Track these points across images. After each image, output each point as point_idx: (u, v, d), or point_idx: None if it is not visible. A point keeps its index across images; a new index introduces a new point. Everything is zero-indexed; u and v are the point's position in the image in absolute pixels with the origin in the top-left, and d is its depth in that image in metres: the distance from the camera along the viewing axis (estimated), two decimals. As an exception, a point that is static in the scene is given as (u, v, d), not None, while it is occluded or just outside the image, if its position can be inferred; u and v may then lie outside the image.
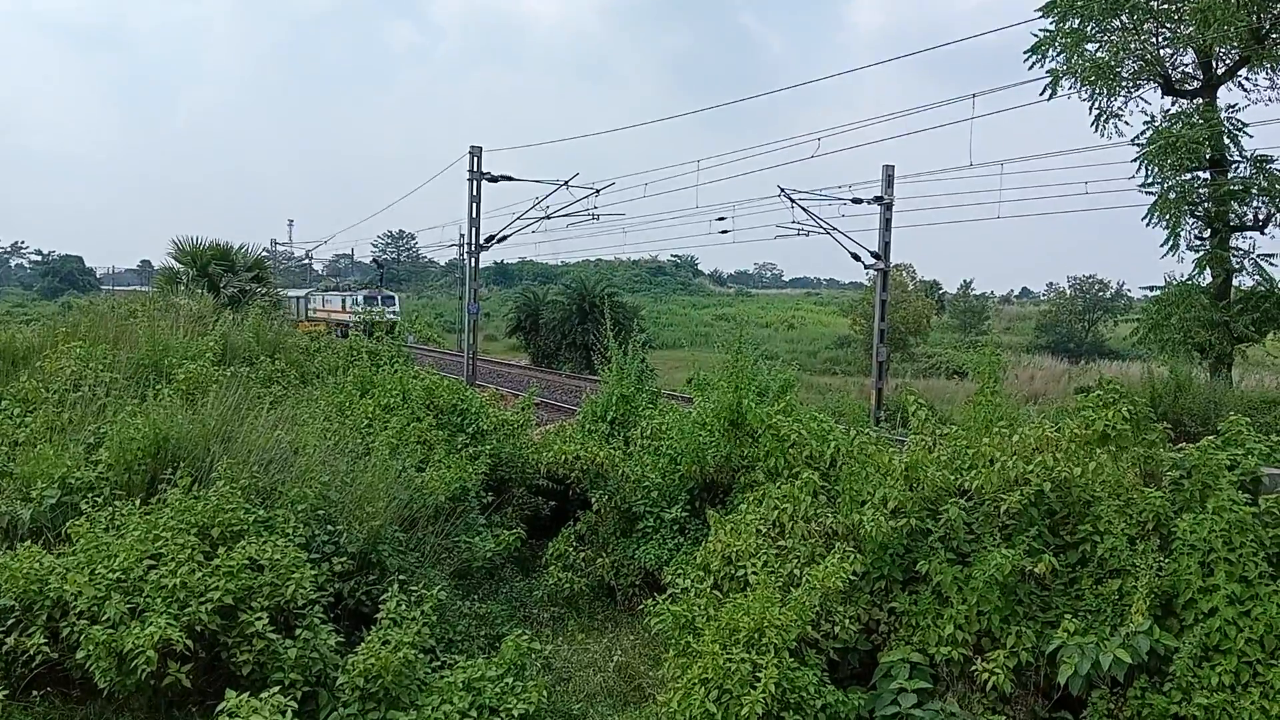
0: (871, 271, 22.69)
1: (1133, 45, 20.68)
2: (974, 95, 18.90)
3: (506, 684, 6.34)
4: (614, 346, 12.31)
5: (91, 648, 5.75)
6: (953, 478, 7.39)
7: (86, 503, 7.17)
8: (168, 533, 6.50)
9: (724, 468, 9.55)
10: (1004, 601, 6.63)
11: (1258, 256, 20.55)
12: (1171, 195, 20.05)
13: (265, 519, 7.14)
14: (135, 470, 7.70)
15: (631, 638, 8.70)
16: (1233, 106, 20.31)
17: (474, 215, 22.88)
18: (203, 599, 6.07)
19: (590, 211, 24.13)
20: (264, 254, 35.73)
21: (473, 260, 23.65)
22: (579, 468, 9.97)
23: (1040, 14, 21.15)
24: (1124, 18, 20.49)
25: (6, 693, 5.80)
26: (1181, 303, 20.66)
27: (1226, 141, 19.85)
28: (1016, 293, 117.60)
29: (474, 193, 22.78)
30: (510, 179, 23.08)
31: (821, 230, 21.79)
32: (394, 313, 55.10)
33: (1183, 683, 6.11)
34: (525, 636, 6.83)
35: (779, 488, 8.13)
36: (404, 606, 6.56)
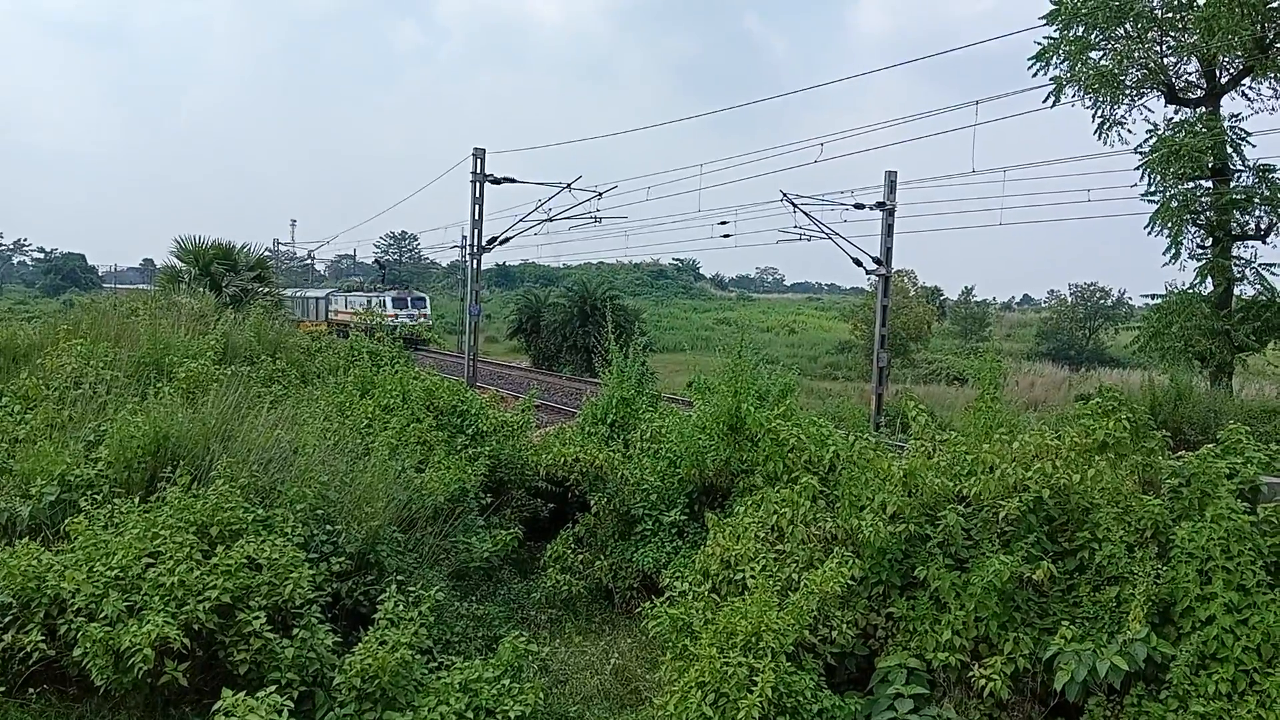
0: (873, 277, 22.71)
1: (1136, 53, 20.69)
2: (977, 102, 18.94)
3: (503, 685, 6.34)
4: (615, 349, 12.32)
5: (89, 645, 5.75)
6: (952, 484, 7.39)
7: (86, 500, 7.17)
8: (166, 531, 6.50)
9: (723, 471, 9.55)
10: (1002, 608, 6.63)
11: (1259, 266, 20.50)
12: (1174, 204, 20.05)
13: (264, 518, 7.14)
14: (135, 468, 7.71)
15: (629, 641, 8.70)
16: (1236, 116, 20.33)
17: (476, 217, 22.90)
18: (200, 597, 6.07)
19: (592, 214, 24.16)
20: (266, 254, 35.62)
21: (475, 262, 23.66)
22: (578, 470, 9.97)
23: (1044, 21, 21.17)
24: (1128, 26, 20.49)
25: (3, 690, 5.81)
26: (1183, 311, 20.65)
27: (1229, 150, 19.83)
28: (1018, 300, 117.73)
29: (477, 195, 22.80)
30: (513, 181, 23.11)
31: (823, 235, 21.80)
32: (426, 316, 51.60)
33: (1179, 690, 6.11)
34: (522, 638, 6.83)
35: (778, 492, 8.13)
36: (401, 607, 6.56)
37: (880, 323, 22.32)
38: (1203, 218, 20.51)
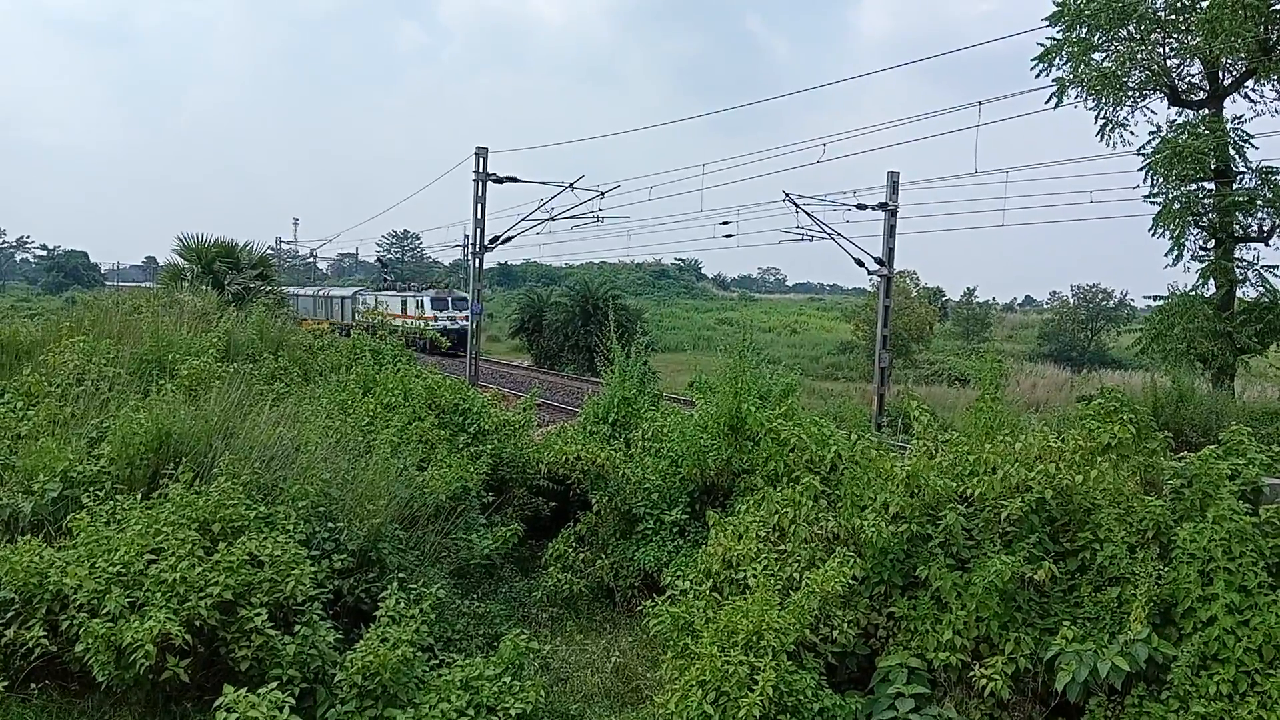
0: (875, 277, 22.72)
1: (1139, 55, 20.66)
2: (980, 103, 19.01)
3: (504, 683, 6.35)
4: (616, 349, 12.33)
5: (91, 641, 5.76)
6: (954, 484, 7.39)
7: (88, 496, 7.17)
8: (168, 527, 6.51)
9: (725, 471, 9.56)
10: (1003, 608, 6.63)
11: (1261, 268, 20.46)
12: (1176, 205, 20.01)
13: (266, 515, 7.15)
14: (137, 465, 7.72)
15: (630, 639, 8.71)
16: (1239, 118, 20.28)
17: (479, 216, 22.93)
18: (202, 594, 6.08)
19: (595, 214, 24.19)
20: (269, 252, 35.42)
21: (477, 261, 23.69)
22: (579, 468, 9.97)
23: (1047, 22, 21.15)
24: (1131, 27, 20.46)
25: (6, 685, 5.82)
26: (1185, 313, 20.62)
27: (1232, 153, 19.78)
28: (1020, 301, 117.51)
29: (479, 194, 22.83)
30: (515, 180, 23.14)
31: (826, 236, 21.83)
32: (468, 318, 47.80)
33: (1180, 691, 6.11)
34: (524, 636, 6.84)
35: (779, 492, 8.14)
36: (403, 604, 6.56)
37: (882, 323, 22.33)
38: (1205, 220, 20.49)
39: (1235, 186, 19.95)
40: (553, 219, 24.25)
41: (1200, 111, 20.58)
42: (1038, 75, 21.51)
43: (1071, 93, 20.96)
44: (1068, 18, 20.81)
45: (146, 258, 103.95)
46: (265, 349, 13.34)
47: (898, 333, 49.98)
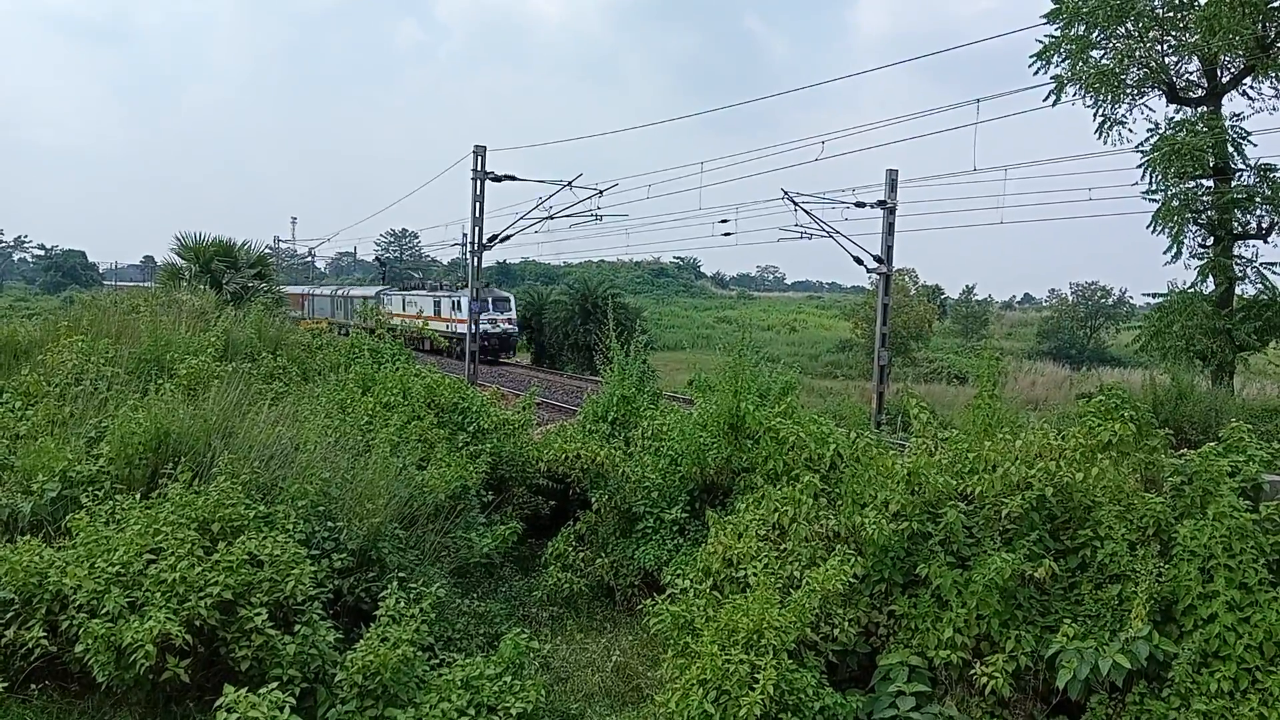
0: (874, 275, 22.72)
1: (1137, 52, 20.66)
2: (978, 100, 19.00)
3: (504, 682, 6.35)
4: (616, 347, 12.31)
5: (90, 641, 5.75)
6: (954, 482, 7.39)
7: (87, 496, 7.16)
8: (168, 527, 6.50)
9: (724, 469, 9.55)
10: (1003, 605, 6.63)
11: (1260, 265, 20.52)
12: (1175, 203, 20.03)
13: (265, 515, 7.14)
14: (136, 464, 7.70)
15: (630, 638, 8.70)
16: (1237, 115, 20.32)
17: (477, 214, 22.92)
18: (202, 594, 6.07)
19: (593, 212, 24.18)
20: (267, 251, 35.26)
21: (476, 259, 23.67)
22: (579, 467, 9.97)
23: (1046, 20, 21.15)
24: (1129, 25, 20.47)
25: (5, 686, 5.80)
26: (1184, 310, 20.64)
27: (1230, 150, 19.82)
28: (1019, 298, 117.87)
29: (478, 192, 22.82)
30: (514, 179, 23.14)
31: (824, 234, 21.81)
32: (510, 322, 40.74)
33: (1181, 689, 6.11)
34: (524, 635, 6.84)
35: (779, 490, 8.13)
36: (403, 604, 6.56)
37: (881, 321, 22.34)
38: (1204, 217, 20.51)
39: (1234, 184, 19.97)
40: (551, 217, 24.25)
41: (1198, 109, 20.59)
42: (1036, 72, 21.56)
43: (1070, 90, 21.01)
44: (1066, 15, 20.82)
45: (144, 257, 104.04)
46: (264, 348, 13.32)
47: (897, 331, 50.02)
